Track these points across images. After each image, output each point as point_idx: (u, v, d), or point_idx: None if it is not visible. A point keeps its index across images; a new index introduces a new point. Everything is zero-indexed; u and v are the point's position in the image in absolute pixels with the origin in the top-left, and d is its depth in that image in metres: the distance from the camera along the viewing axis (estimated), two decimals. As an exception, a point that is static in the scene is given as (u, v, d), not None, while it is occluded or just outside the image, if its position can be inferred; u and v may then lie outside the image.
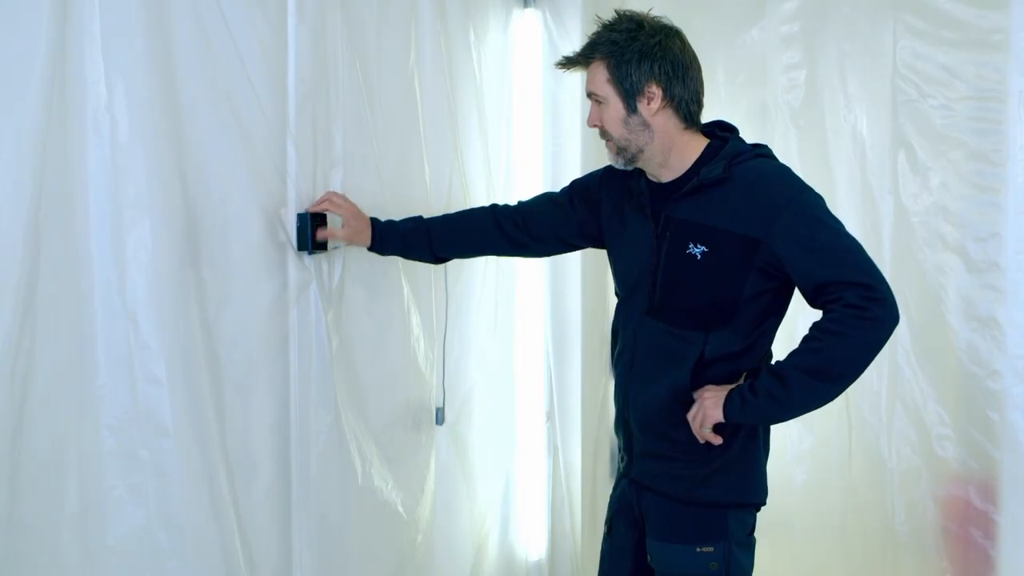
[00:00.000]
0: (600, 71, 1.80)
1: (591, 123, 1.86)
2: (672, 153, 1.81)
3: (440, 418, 2.43)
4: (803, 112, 2.82)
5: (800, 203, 1.72)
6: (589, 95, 1.84)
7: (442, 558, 2.48)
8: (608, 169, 1.98)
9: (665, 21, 1.82)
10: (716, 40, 2.90)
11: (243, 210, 1.76)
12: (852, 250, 1.69)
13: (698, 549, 1.80)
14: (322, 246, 1.91)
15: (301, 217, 1.87)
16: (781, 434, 2.78)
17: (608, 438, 3.02)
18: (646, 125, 1.78)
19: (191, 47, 1.61)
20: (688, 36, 1.94)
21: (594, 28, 1.85)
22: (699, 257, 1.75)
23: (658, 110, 1.77)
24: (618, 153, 1.84)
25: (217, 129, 1.69)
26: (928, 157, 2.61)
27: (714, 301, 1.76)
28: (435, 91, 2.40)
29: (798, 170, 2.78)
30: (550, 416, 2.90)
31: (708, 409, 1.74)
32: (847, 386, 1.71)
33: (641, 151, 1.81)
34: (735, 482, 1.82)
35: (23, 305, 1.33)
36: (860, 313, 1.63)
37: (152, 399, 1.50)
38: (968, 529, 2.55)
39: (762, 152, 1.83)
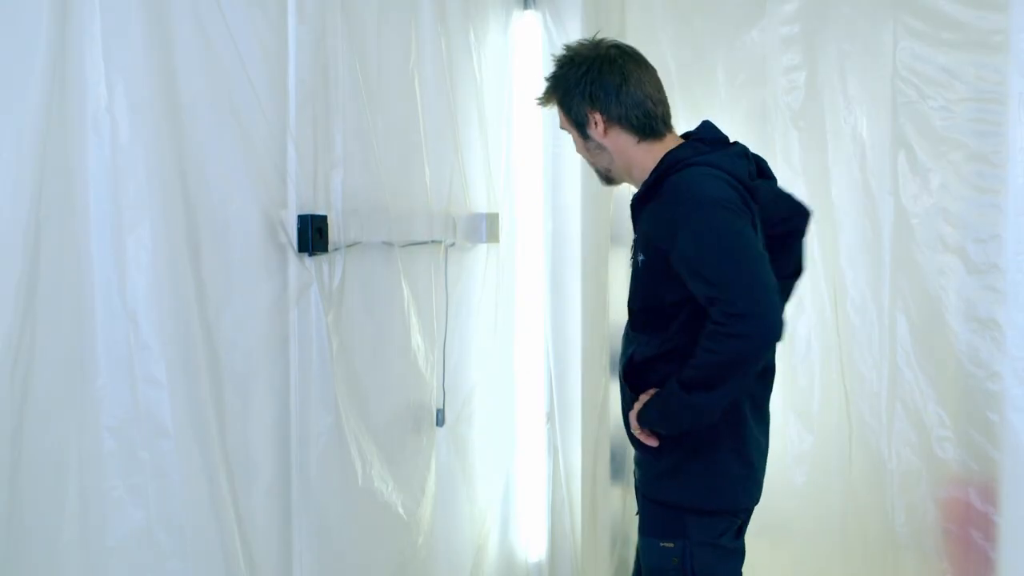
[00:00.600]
0: (558, 109, 1.95)
1: (576, 151, 2.01)
2: (634, 168, 1.90)
3: (440, 419, 2.43)
4: (803, 113, 2.82)
5: (690, 219, 1.72)
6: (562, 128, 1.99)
7: (442, 559, 2.48)
8: None
9: (601, 41, 1.90)
10: (716, 41, 2.91)
11: (243, 211, 1.76)
12: (722, 267, 1.67)
13: (661, 544, 1.87)
14: (322, 247, 1.91)
15: (302, 219, 1.87)
16: (781, 435, 2.79)
17: (608, 439, 3.02)
18: (601, 147, 1.91)
19: (191, 47, 1.61)
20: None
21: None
22: (640, 265, 1.85)
23: (606, 131, 1.88)
24: (598, 176, 2.01)
25: (217, 129, 1.68)
26: (928, 158, 2.61)
27: (645, 307, 1.86)
28: (435, 92, 2.40)
29: (798, 171, 2.82)
30: (550, 417, 2.90)
31: (632, 414, 1.86)
32: (727, 395, 1.72)
33: (609, 170, 1.95)
34: (688, 487, 1.84)
35: (23, 305, 1.32)
36: (721, 329, 1.65)
37: (152, 400, 1.50)
38: (968, 530, 2.55)
39: (696, 161, 1.79)
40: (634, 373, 1.88)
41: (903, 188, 2.65)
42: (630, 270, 1.91)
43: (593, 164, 1.97)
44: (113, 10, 1.45)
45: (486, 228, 2.66)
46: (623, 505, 3.16)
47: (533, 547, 2.95)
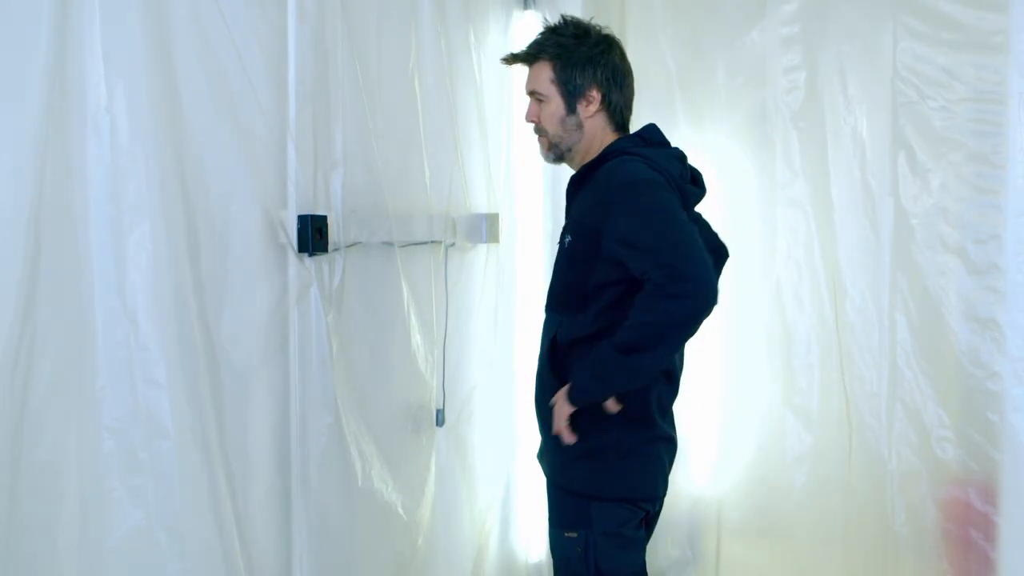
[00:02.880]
0: (545, 71, 1.91)
1: (528, 119, 1.96)
2: (591, 153, 1.92)
3: (440, 419, 2.43)
4: (803, 114, 2.81)
5: (624, 197, 1.76)
6: (530, 93, 1.95)
7: (442, 560, 2.48)
8: None
9: (607, 31, 1.93)
10: (716, 41, 2.90)
11: (243, 211, 1.76)
12: (661, 235, 1.71)
13: (566, 534, 1.88)
14: (322, 247, 1.91)
15: (302, 219, 1.87)
16: (780, 435, 2.78)
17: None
18: (580, 126, 1.91)
19: (191, 47, 1.61)
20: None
21: (555, 30, 1.96)
22: (566, 246, 1.89)
23: (594, 113, 1.90)
24: (549, 149, 1.96)
25: (217, 129, 1.69)
26: (928, 159, 2.60)
27: (568, 286, 1.87)
28: (435, 92, 2.40)
29: (798, 171, 2.81)
30: (550, 417, 2.89)
31: (560, 404, 1.83)
32: (663, 357, 1.75)
33: (570, 149, 1.93)
34: (595, 473, 1.85)
35: (23, 306, 1.32)
36: (660, 290, 1.67)
37: (152, 401, 1.50)
38: (968, 531, 2.54)
39: (632, 152, 1.85)
40: (558, 354, 1.89)
41: (903, 188, 2.64)
42: (556, 253, 1.94)
43: (556, 137, 1.93)
44: (113, 10, 1.45)
45: (486, 228, 2.66)
46: (623, 505, 3.15)
47: (533, 547, 2.95)
